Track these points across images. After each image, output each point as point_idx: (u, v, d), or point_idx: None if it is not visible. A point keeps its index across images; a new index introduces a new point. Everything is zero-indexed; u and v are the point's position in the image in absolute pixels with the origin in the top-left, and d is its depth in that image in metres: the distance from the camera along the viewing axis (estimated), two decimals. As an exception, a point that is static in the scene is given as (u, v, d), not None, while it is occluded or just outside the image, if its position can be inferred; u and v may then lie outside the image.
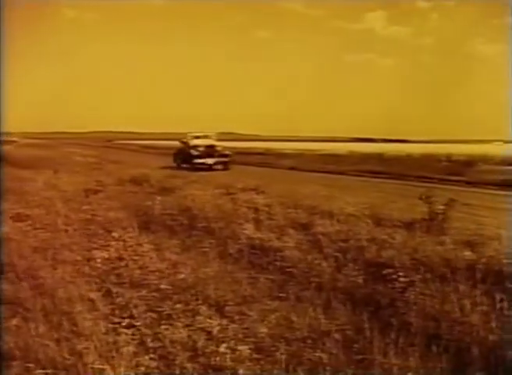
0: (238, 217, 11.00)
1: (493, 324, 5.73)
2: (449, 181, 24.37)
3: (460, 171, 27.88)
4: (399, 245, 8.52)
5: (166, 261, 8.55)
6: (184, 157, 35.32)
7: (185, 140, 36.94)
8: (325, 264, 7.93)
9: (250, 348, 5.61)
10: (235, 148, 46.19)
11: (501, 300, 6.17)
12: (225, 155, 35.08)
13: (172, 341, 5.70)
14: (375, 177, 27.64)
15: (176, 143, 38.73)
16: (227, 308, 6.60)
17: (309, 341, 5.69)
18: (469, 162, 32.66)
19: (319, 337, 5.74)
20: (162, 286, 7.37)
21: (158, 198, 13.40)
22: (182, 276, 7.78)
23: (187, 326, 6.13)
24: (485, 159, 36.00)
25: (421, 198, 11.37)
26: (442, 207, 10.90)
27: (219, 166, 33.98)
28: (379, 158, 40.44)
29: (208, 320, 6.25)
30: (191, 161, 34.16)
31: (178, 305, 6.72)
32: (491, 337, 5.55)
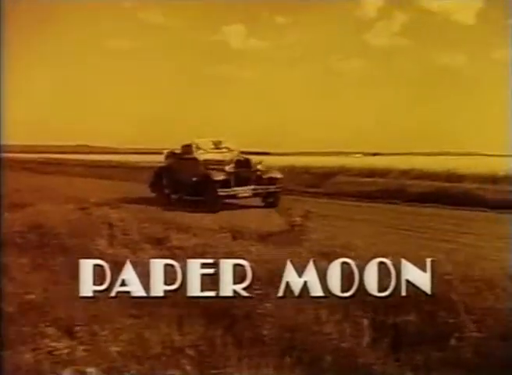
0: (91, 233, 10.69)
1: (347, 332, 5.82)
2: (307, 193, 24.82)
3: (318, 183, 28.44)
4: (255, 258, 8.52)
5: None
6: (183, 183, 19.80)
7: (179, 151, 21.48)
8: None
9: (101, 369, 5.41)
10: (92, 160, 44.92)
11: (355, 309, 6.28)
12: (273, 180, 19.59)
13: (16, 367, 5.41)
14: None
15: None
16: (77, 328, 6.32)
17: (163, 358, 5.57)
18: (327, 174, 33.33)
19: (173, 353, 5.63)
20: (9, 309, 6.98)
21: (6, 214, 12.84)
22: (31, 296, 7.39)
23: (34, 349, 5.82)
24: (343, 171, 36.94)
25: (278, 211, 11.48)
26: (299, 219, 11.03)
27: (258, 201, 19.46)
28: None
29: (56, 343, 5.96)
30: (208, 191, 18.56)
31: (25, 328, 6.37)
32: (344, 345, 5.64)
